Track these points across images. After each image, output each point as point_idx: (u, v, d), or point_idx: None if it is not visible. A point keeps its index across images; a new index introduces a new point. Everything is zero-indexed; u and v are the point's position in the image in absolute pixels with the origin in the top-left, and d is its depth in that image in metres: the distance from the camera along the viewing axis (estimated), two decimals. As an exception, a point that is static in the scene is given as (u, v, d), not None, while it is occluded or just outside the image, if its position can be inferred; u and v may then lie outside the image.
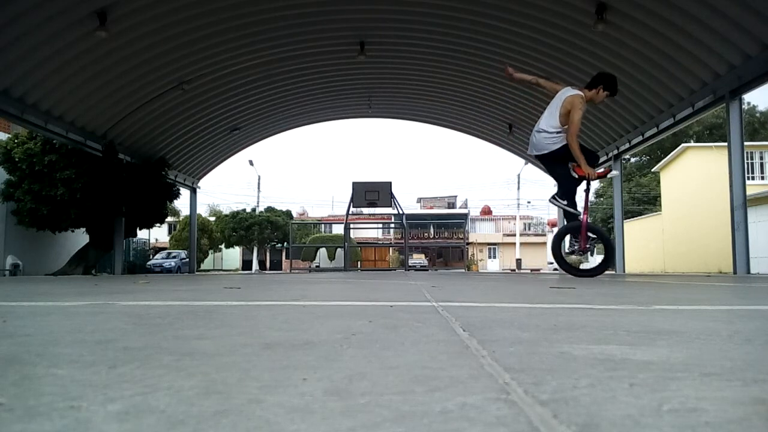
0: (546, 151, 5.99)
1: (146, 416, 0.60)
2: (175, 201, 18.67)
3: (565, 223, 6.44)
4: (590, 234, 6.09)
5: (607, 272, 6.25)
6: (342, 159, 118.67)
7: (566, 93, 5.97)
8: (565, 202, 6.07)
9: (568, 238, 6.31)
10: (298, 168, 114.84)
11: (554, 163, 6.08)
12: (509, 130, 17.18)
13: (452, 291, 3.25)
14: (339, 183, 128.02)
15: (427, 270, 27.70)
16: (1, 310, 2.07)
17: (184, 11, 10.38)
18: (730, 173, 9.76)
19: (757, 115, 40.26)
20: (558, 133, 5.90)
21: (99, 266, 17.03)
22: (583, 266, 6.61)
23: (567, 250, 6.29)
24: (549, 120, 5.98)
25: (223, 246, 41.25)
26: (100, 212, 14.96)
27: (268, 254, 45.72)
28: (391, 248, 42.68)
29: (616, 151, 14.82)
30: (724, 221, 11.33)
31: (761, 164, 22.70)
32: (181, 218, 39.26)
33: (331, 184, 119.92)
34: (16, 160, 15.16)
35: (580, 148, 5.90)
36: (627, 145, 14.28)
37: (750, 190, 10.65)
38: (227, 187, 79.58)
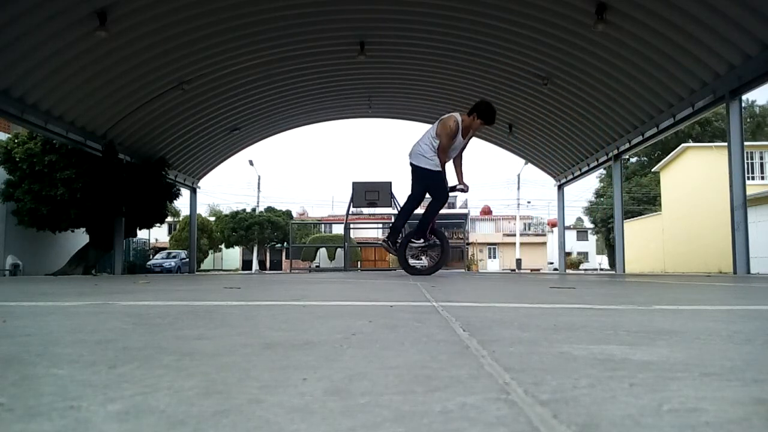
0: (433, 170, 6.43)
1: (146, 416, 0.60)
2: (175, 201, 18.67)
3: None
4: (433, 236, 6.82)
5: (606, 272, 6.39)
6: (342, 159, 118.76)
7: (444, 116, 6.48)
8: (421, 241, 6.78)
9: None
10: (298, 168, 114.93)
11: (438, 181, 6.50)
12: (509, 130, 17.18)
13: (452, 291, 3.25)
14: (339, 183, 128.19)
15: (427, 270, 27.62)
16: (1, 310, 2.07)
17: (184, 11, 10.37)
18: (730, 173, 9.75)
19: (757, 110, 40.21)
20: (433, 153, 6.40)
21: (99, 266, 17.03)
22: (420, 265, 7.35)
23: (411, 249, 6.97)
24: (427, 140, 6.46)
25: (223, 246, 41.25)
26: (100, 212, 14.96)
27: (268, 254, 45.73)
28: (391, 248, 42.54)
29: (616, 151, 14.82)
30: (724, 221, 11.33)
31: (761, 164, 22.71)
32: (181, 218, 39.26)
33: (331, 184, 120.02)
34: (17, 160, 15.16)
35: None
36: (627, 145, 14.27)
37: (750, 190, 10.64)
38: (227, 187, 79.67)
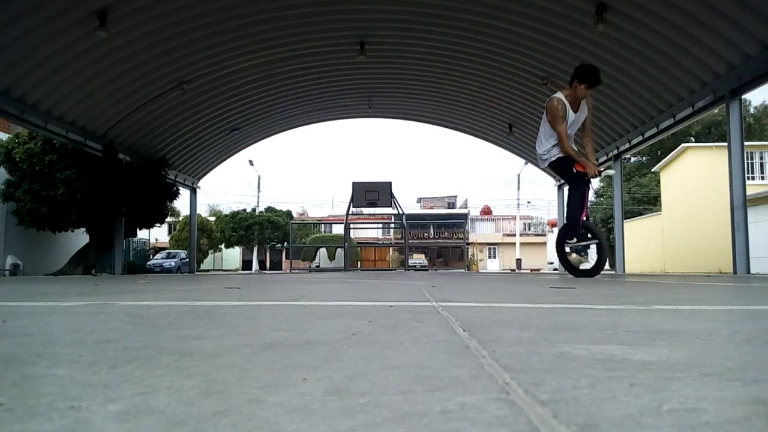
0: (548, 162, 6.15)
1: (146, 416, 0.60)
2: (175, 201, 18.68)
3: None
4: (588, 234, 6.19)
5: (606, 272, 6.35)
6: (342, 159, 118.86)
7: (547, 101, 6.12)
8: (574, 240, 6.18)
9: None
10: (298, 168, 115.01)
11: (560, 171, 6.22)
12: (509, 130, 17.19)
13: (452, 291, 3.25)
14: (339, 183, 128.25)
15: (427, 270, 27.71)
16: (1, 310, 2.07)
17: (184, 11, 10.37)
18: (730, 173, 9.76)
19: (752, 111, 40.17)
20: (550, 142, 6.03)
21: (99, 266, 17.03)
22: (582, 266, 6.70)
23: (568, 249, 6.38)
24: (543, 130, 6.14)
25: (223, 246, 41.26)
26: (100, 212, 14.96)
27: (268, 254, 45.73)
28: (391, 248, 42.69)
29: (616, 151, 14.82)
30: (724, 221, 11.34)
31: (761, 164, 22.70)
32: (181, 218, 39.27)
33: (331, 184, 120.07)
34: (17, 160, 15.17)
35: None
36: (627, 145, 14.28)
37: (750, 190, 10.65)
38: (227, 187, 79.70)
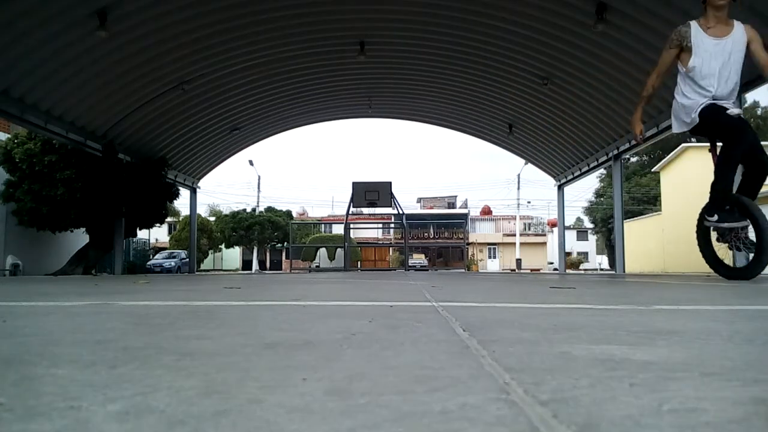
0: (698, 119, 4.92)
1: (146, 416, 0.60)
2: (175, 201, 18.67)
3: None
4: (738, 212, 4.54)
5: (605, 272, 6.12)
6: (342, 159, 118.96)
7: None
8: (715, 218, 4.74)
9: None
10: (298, 168, 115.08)
11: (709, 125, 4.93)
12: (509, 130, 17.18)
13: (452, 291, 3.25)
14: (339, 183, 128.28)
15: (427, 270, 27.70)
16: (1, 310, 2.07)
17: (184, 11, 10.37)
18: (730, 173, 9.74)
19: (759, 112, 40.17)
20: (693, 97, 5.11)
21: (99, 266, 17.02)
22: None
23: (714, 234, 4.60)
24: (680, 83, 5.22)
25: (223, 246, 41.26)
26: (100, 212, 14.96)
27: (268, 254, 45.73)
28: (391, 248, 42.69)
29: (616, 151, 14.81)
30: (724, 221, 11.31)
31: (761, 164, 22.67)
32: (181, 218, 39.26)
33: (331, 184, 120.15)
34: (16, 160, 15.17)
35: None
36: (627, 145, 14.27)
37: (750, 190, 10.63)
38: (227, 187, 79.83)
